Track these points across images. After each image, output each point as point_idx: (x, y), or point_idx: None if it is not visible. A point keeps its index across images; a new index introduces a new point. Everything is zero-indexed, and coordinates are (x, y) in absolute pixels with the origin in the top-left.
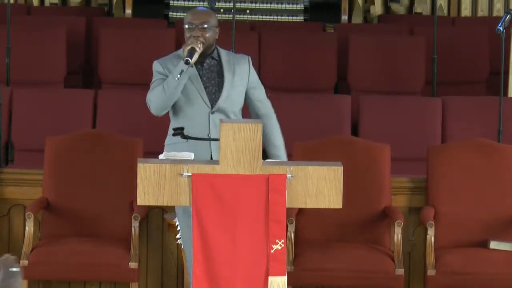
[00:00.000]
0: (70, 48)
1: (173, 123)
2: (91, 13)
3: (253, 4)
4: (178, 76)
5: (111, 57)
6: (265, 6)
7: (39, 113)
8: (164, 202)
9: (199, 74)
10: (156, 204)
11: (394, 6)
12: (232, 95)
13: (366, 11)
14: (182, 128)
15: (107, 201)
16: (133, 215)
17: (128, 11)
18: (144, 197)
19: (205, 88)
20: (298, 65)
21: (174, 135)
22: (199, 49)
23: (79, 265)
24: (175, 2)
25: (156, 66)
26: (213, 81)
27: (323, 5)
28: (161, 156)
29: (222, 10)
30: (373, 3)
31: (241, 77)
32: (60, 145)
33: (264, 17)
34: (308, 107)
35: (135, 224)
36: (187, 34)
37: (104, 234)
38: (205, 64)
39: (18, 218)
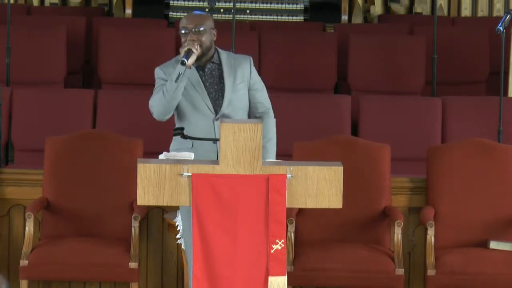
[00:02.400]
0: (70, 48)
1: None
2: (91, 13)
3: (253, 4)
4: (176, 79)
5: (111, 57)
6: (265, 6)
7: (39, 113)
8: (164, 202)
9: (202, 80)
10: (156, 204)
11: (394, 6)
12: (234, 100)
13: (366, 11)
14: (182, 128)
15: (107, 201)
16: (133, 215)
17: (128, 11)
18: (144, 197)
19: (208, 94)
20: (298, 65)
21: (174, 135)
22: (196, 50)
23: (79, 265)
24: (175, 2)
25: (158, 72)
26: (216, 86)
27: (323, 5)
28: (161, 156)
29: (222, 10)
30: (373, 3)
31: (242, 80)
32: (60, 145)
33: (264, 17)
34: (308, 107)
35: (135, 224)
36: (183, 39)
37: (104, 234)
38: (206, 69)
39: (18, 218)
